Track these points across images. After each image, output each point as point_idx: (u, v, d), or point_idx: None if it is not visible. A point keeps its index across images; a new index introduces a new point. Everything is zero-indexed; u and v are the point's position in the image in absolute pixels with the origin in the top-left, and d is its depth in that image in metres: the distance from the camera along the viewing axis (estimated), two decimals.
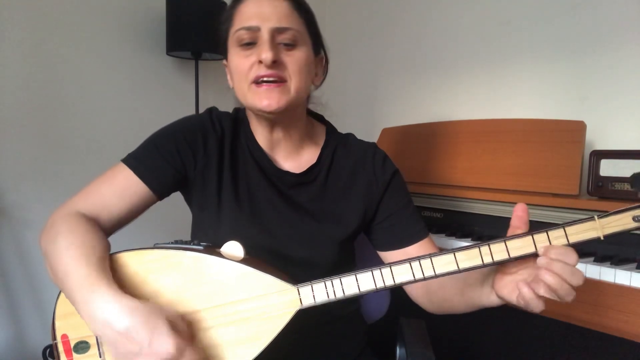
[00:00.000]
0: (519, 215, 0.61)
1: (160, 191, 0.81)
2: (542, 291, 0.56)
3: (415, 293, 0.83)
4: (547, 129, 1.26)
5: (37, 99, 1.67)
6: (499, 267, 0.63)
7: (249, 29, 0.75)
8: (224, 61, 0.85)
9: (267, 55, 0.73)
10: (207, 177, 0.83)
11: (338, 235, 0.84)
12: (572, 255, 0.55)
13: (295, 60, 0.76)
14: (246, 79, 0.76)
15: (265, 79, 0.75)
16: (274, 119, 0.81)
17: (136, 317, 0.58)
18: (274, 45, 0.75)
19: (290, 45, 0.76)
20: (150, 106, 1.99)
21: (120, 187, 0.78)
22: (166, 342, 0.56)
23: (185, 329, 0.62)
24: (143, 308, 0.59)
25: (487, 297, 0.66)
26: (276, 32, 0.75)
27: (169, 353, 0.56)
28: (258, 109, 0.77)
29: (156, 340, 0.56)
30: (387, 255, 0.87)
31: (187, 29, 1.82)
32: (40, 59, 1.67)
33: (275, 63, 0.74)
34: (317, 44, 0.84)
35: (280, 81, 0.76)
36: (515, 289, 0.60)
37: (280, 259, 0.80)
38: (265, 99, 0.75)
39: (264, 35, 0.74)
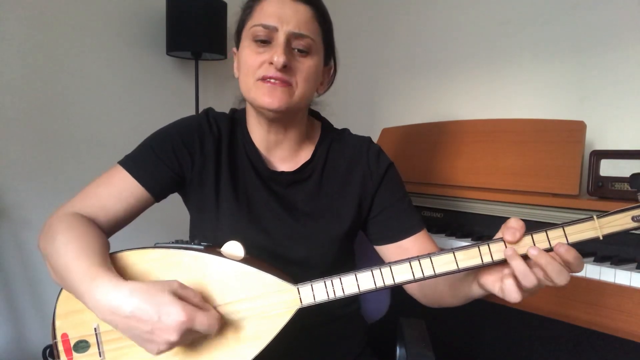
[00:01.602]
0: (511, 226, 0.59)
1: (157, 193, 0.81)
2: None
3: (411, 286, 0.83)
4: (547, 129, 1.26)
5: (37, 99, 1.67)
6: None
7: (266, 27, 0.75)
8: (234, 49, 0.86)
9: (279, 59, 0.73)
10: (204, 178, 0.83)
11: (335, 232, 0.85)
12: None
13: (305, 68, 0.77)
14: (253, 75, 0.76)
15: (272, 80, 0.75)
16: (272, 118, 0.81)
17: (140, 297, 0.58)
18: (288, 49, 0.75)
19: (304, 52, 0.77)
20: (150, 106, 1.99)
21: (118, 189, 0.78)
22: (174, 312, 0.57)
23: (193, 296, 0.62)
24: (145, 287, 0.59)
25: (469, 287, 0.66)
26: (292, 36, 0.75)
27: (179, 321, 0.57)
28: (259, 105, 0.77)
29: (164, 313, 0.57)
30: (383, 249, 0.86)
31: (187, 29, 1.82)
32: (40, 59, 1.67)
33: (285, 68, 0.75)
34: (329, 55, 0.85)
35: (286, 84, 0.76)
36: (498, 280, 0.60)
37: (279, 259, 0.80)
38: (268, 97, 0.75)
39: (280, 37, 0.75)
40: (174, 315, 0.57)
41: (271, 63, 0.74)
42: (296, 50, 0.77)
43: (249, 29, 0.78)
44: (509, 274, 0.58)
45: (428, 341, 0.92)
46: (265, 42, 0.76)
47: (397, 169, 0.90)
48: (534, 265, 0.57)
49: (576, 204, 1.10)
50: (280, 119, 0.82)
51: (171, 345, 0.59)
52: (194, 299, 0.61)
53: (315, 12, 0.79)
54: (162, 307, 0.57)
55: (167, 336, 0.57)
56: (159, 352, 0.59)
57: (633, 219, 0.56)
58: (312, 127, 0.91)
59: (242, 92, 0.81)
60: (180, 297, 0.59)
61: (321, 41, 0.81)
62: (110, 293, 0.59)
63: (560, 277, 0.56)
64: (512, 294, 0.58)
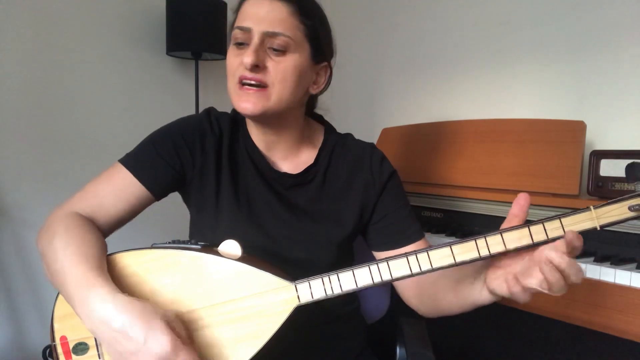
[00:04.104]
0: (520, 203, 0.60)
1: (157, 191, 0.81)
2: (535, 283, 0.56)
3: (408, 294, 0.83)
4: (547, 129, 1.26)
5: (37, 98, 1.67)
6: (492, 261, 0.62)
7: (242, 29, 0.76)
8: None
9: (247, 59, 0.73)
10: (205, 177, 0.83)
11: (335, 236, 0.84)
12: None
13: (281, 68, 0.75)
14: (233, 77, 0.77)
15: (246, 81, 0.75)
16: (260, 122, 0.81)
17: (132, 315, 0.58)
18: (259, 49, 0.74)
19: (280, 51, 0.75)
20: (150, 106, 1.99)
21: (117, 188, 0.78)
22: (161, 340, 0.56)
23: (181, 329, 0.61)
24: (139, 306, 0.59)
25: (479, 294, 0.65)
26: (266, 36, 0.74)
27: (164, 351, 0.56)
28: (238, 110, 0.78)
29: (151, 338, 0.56)
30: (381, 256, 0.86)
31: (187, 29, 1.82)
32: (40, 59, 1.67)
33: (258, 67, 0.74)
34: (318, 52, 0.81)
35: (261, 86, 0.75)
36: (504, 282, 0.59)
37: (278, 259, 0.80)
38: (244, 102, 0.75)
39: (254, 38, 0.74)
40: (160, 344, 0.56)
41: None
42: (272, 49, 0.75)
43: (232, 33, 0.78)
44: (513, 278, 0.58)
45: (428, 341, 0.92)
46: (243, 44, 0.76)
47: (399, 177, 0.90)
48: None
49: (576, 204, 1.10)
50: (267, 122, 0.81)
51: None
52: (181, 333, 0.61)
53: (294, 8, 0.76)
54: (151, 332, 0.57)
55: None
56: None
57: (630, 208, 0.55)
58: (313, 130, 0.91)
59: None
60: (169, 325, 0.59)
61: (304, 38, 0.78)
62: (106, 303, 0.59)
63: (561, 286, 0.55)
64: (522, 298, 0.58)
